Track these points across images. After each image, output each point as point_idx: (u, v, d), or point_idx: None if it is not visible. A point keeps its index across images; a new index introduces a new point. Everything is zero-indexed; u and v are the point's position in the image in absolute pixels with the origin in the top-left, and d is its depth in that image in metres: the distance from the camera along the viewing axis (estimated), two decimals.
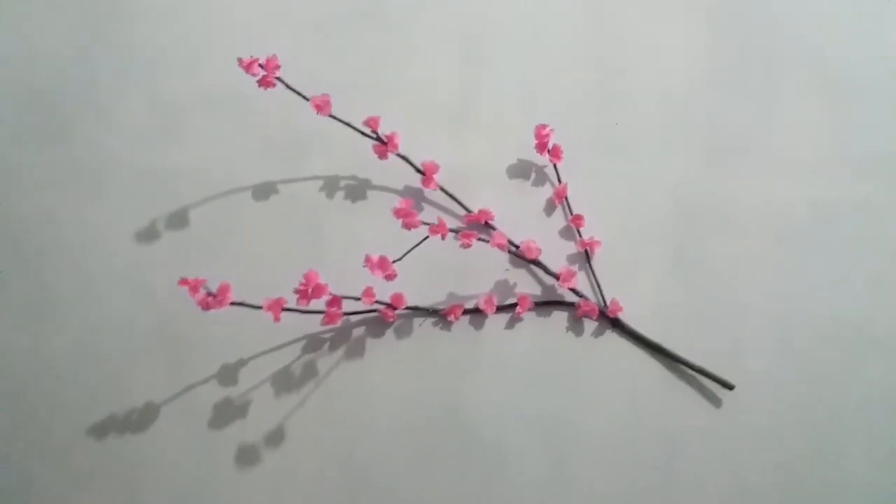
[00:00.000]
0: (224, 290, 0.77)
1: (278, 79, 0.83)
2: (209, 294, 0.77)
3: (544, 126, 0.86)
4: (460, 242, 0.80)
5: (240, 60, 0.81)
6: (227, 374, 0.85)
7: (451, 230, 0.80)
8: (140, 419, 0.85)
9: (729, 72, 0.91)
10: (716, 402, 0.85)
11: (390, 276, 0.77)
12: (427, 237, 0.79)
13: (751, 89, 0.91)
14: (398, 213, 0.78)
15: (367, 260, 0.76)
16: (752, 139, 0.90)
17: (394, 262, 0.77)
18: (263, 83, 0.82)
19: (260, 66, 0.81)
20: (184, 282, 0.76)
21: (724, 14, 0.93)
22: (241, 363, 0.86)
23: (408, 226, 0.78)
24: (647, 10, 0.93)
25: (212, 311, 0.78)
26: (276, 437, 0.84)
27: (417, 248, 0.79)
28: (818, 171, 0.89)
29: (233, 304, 0.78)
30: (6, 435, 0.85)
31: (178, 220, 0.88)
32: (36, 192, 0.89)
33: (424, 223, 0.79)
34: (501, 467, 0.84)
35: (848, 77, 0.91)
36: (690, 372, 0.85)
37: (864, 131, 0.90)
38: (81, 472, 0.84)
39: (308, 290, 0.76)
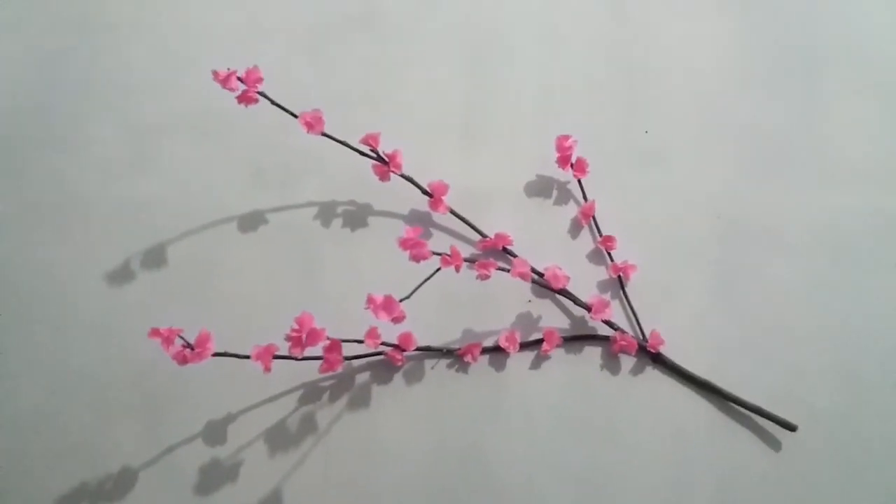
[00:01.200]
0: (203, 340, 0.73)
1: (261, 93, 0.81)
2: (186, 345, 0.73)
3: (567, 137, 0.84)
4: (477, 273, 0.77)
5: (215, 74, 0.79)
6: (214, 432, 0.82)
7: (466, 260, 0.77)
8: (115, 487, 0.81)
9: (768, 71, 0.90)
10: (775, 445, 0.81)
11: (398, 319, 0.73)
12: (439, 269, 0.75)
13: (793, 89, 0.89)
14: (405, 243, 0.75)
15: (370, 301, 0.72)
16: (798, 145, 0.88)
17: (401, 300, 0.73)
18: (244, 99, 0.80)
19: (239, 79, 0.79)
20: (155, 332, 0.72)
21: (759, 8, 0.91)
22: (230, 419, 0.82)
23: (416, 258, 0.74)
24: (675, 5, 0.92)
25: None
26: (272, 503, 0.80)
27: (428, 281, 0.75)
28: (874, 177, 0.86)
29: (215, 355, 0.74)
30: None
31: (155, 258, 0.86)
32: None
33: (435, 253, 0.76)
34: None
35: None
36: (745, 412, 0.81)
37: None
38: None
39: (302, 337, 0.71)
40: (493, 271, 0.76)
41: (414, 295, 0.75)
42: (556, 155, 0.83)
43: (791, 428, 0.79)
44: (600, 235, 0.84)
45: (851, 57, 0.89)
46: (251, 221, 0.86)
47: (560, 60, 0.91)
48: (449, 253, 0.75)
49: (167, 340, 0.71)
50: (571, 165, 0.83)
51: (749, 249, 0.85)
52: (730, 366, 0.82)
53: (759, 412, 0.80)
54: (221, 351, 0.75)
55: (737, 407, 0.80)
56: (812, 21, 0.90)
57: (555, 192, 0.87)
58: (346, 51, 0.91)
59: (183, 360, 0.71)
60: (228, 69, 0.79)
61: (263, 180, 0.87)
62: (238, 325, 0.81)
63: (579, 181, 0.85)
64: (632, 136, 0.88)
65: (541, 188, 0.87)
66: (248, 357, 0.75)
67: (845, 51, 0.89)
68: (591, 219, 0.84)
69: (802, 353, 0.82)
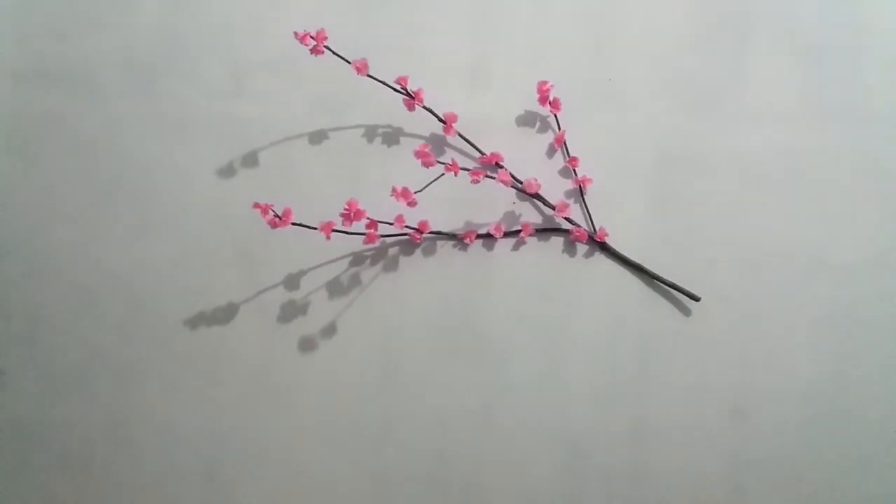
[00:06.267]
0: (287, 213, 0.91)
1: (326, 47, 0.93)
2: (276, 216, 0.92)
3: (545, 82, 0.94)
4: (471, 179, 0.91)
5: (295, 34, 0.91)
6: (291, 282, 0.98)
7: (464, 168, 0.91)
8: (223, 315, 0.99)
9: (707, 35, 0.97)
10: (686, 311, 0.96)
11: (411, 203, 0.90)
12: (443, 174, 0.91)
13: (726, 50, 0.97)
14: (418, 154, 0.90)
15: (394, 190, 0.90)
16: (726, 94, 0.97)
17: (415, 192, 0.90)
18: (314, 51, 0.92)
19: (311, 37, 0.92)
20: (257, 205, 0.91)
21: None
22: (302, 273, 0.98)
23: (425, 165, 0.90)
24: None
25: (278, 231, 0.92)
26: (329, 331, 0.98)
27: (440, 183, 0.91)
28: (780, 119, 0.96)
29: (294, 224, 0.91)
30: (126, 325, 1.01)
31: (250, 160, 0.99)
32: (135, 139, 1.01)
33: (440, 162, 0.91)
34: (506, 361, 0.97)
35: (812, 39, 0.96)
36: (665, 286, 0.95)
37: (824, 86, 0.96)
38: (180, 353, 1.00)
39: (350, 214, 0.90)
40: (482, 178, 0.90)
41: (431, 194, 0.89)
42: (537, 95, 0.93)
43: (696, 298, 0.94)
44: (568, 156, 0.95)
45: (771, 24, 0.96)
46: (316, 137, 0.97)
47: (544, 22, 0.97)
48: (450, 163, 0.91)
49: (264, 211, 0.89)
50: (549, 103, 0.93)
51: (678, 171, 0.95)
52: (656, 255, 0.95)
53: (673, 287, 0.94)
54: (298, 222, 0.91)
55: (659, 283, 0.95)
56: None
57: (537, 123, 0.97)
58: (384, 13, 0.98)
59: (274, 225, 0.89)
60: (304, 31, 0.91)
61: (325, 107, 0.97)
62: (307, 210, 0.91)
63: (555, 116, 0.95)
64: (597, 83, 0.97)
65: (527, 120, 0.97)
66: (315, 228, 0.91)
67: (767, 20, 0.96)
68: (563, 144, 0.95)
69: (711, 249, 0.95)
